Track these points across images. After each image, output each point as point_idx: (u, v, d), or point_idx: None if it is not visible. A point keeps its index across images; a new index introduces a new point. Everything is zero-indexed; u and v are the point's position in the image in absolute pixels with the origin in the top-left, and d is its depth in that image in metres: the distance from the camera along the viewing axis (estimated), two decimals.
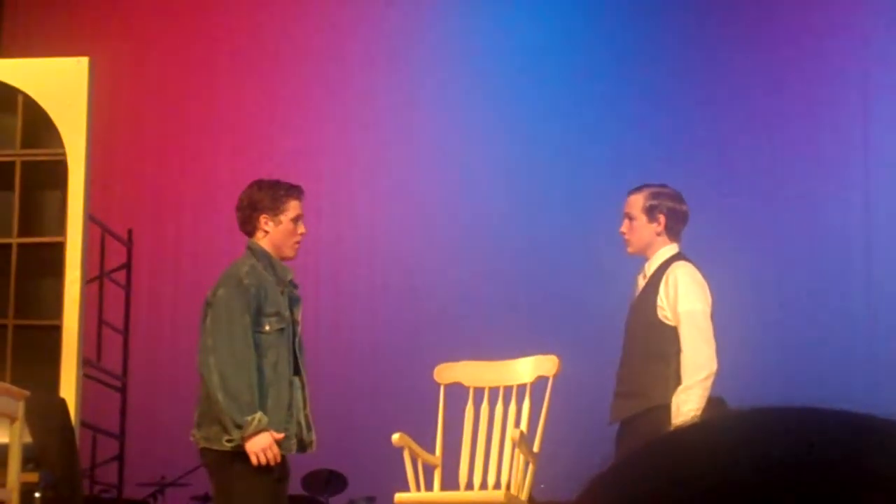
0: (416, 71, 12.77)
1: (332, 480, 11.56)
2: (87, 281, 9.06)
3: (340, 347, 12.38)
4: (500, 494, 7.41)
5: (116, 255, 11.01)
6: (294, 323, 7.10)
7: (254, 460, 6.74)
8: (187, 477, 11.51)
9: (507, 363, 7.83)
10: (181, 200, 12.82)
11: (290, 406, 7.01)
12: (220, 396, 6.81)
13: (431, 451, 7.75)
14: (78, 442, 8.68)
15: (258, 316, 6.95)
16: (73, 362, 8.58)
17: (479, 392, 7.81)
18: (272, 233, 7.10)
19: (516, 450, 7.54)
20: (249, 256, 7.11)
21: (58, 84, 9.12)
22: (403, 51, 12.82)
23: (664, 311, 7.10)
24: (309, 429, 7.14)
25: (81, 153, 8.97)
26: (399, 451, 7.60)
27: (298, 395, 7.09)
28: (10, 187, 9.13)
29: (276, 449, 6.76)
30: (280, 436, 6.79)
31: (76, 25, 12.24)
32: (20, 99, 9.19)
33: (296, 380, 7.11)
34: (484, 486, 7.65)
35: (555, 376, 7.64)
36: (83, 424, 9.06)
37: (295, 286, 7.22)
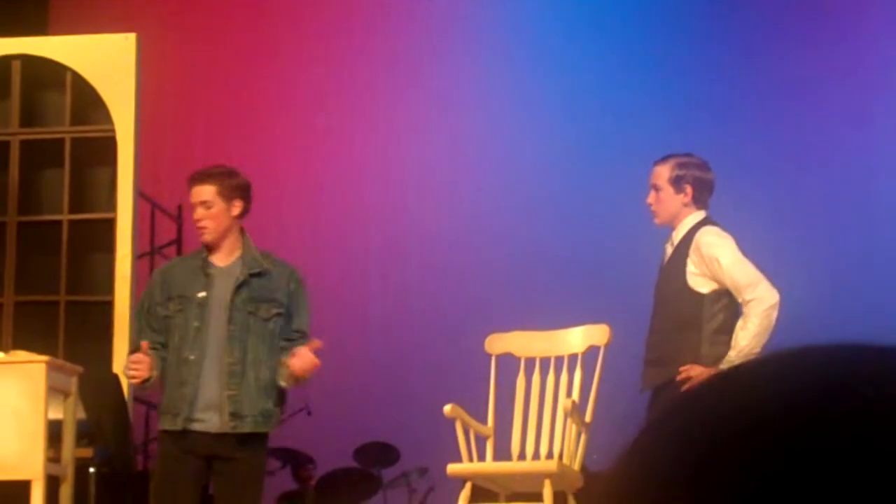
0: (450, 68, 12.76)
1: (384, 453, 11.59)
2: (137, 256, 9.09)
3: (391, 321, 12.39)
4: (552, 464, 7.40)
5: (166, 231, 11.04)
6: (209, 300, 6.94)
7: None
8: None
9: (558, 333, 7.82)
10: None
11: (183, 383, 6.89)
12: None
13: (483, 421, 7.74)
14: (131, 417, 8.71)
15: (166, 301, 6.97)
16: (125, 338, 8.59)
17: (530, 362, 7.80)
18: None
19: (568, 420, 7.53)
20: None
21: (106, 60, 9.14)
22: (435, 47, 12.81)
23: (695, 277, 7.09)
24: (213, 409, 6.92)
25: (130, 129, 8.99)
26: (451, 422, 7.60)
27: (193, 372, 6.91)
28: (60, 164, 9.17)
29: (135, 360, 6.81)
30: (144, 346, 6.83)
31: (123, 1, 12.26)
32: (69, 76, 9.22)
33: (212, 356, 6.93)
34: (536, 456, 7.65)
35: (606, 345, 7.62)
36: (136, 400, 9.10)
37: (252, 273, 7.02)
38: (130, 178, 8.86)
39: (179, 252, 11.18)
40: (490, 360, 7.81)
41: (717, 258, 7.04)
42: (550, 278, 11.76)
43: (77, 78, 9.19)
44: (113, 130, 9.05)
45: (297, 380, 6.95)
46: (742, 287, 6.98)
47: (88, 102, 9.18)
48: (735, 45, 12.44)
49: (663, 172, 7.30)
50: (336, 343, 12.33)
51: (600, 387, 7.59)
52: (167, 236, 11.07)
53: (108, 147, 9.04)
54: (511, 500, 7.76)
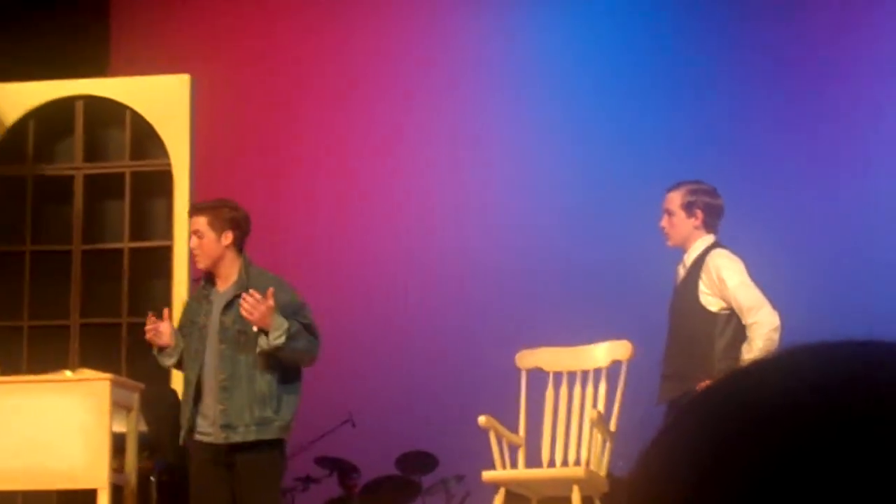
0: (476, 103, 12.78)
1: (423, 461, 11.59)
2: (193, 281, 9.13)
3: (428, 340, 12.41)
4: (580, 471, 7.41)
5: None
6: (207, 325, 7.08)
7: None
8: (291, 459, 11.57)
9: (583, 348, 7.84)
10: (276, 206, 12.88)
11: (185, 402, 7.11)
12: None
13: (515, 431, 7.76)
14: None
15: (183, 327, 7.20)
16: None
17: (557, 376, 7.82)
18: None
19: (594, 429, 7.54)
20: None
21: (162, 100, 9.20)
22: (459, 84, 12.84)
23: (706, 296, 7.11)
24: (210, 423, 7.06)
25: (185, 163, 9.05)
26: (485, 432, 7.62)
27: (192, 391, 7.08)
28: (121, 196, 9.23)
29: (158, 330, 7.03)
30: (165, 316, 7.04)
31: (179, 45, 12.31)
32: (128, 114, 9.28)
33: (209, 375, 7.06)
34: (565, 463, 7.66)
35: (628, 360, 7.64)
36: None
37: (236, 294, 7.03)
38: (186, 207, 8.91)
39: None
40: (520, 374, 7.84)
41: (725, 280, 7.07)
42: (575, 298, 11.76)
43: (136, 116, 9.25)
44: (169, 164, 9.10)
45: (257, 326, 6.97)
46: (745, 310, 7.02)
47: (146, 139, 9.23)
48: (742, 75, 12.43)
49: (675, 198, 7.34)
50: (378, 361, 12.36)
51: (623, 398, 7.60)
52: None
53: (164, 180, 9.10)
54: None
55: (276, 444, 7.10)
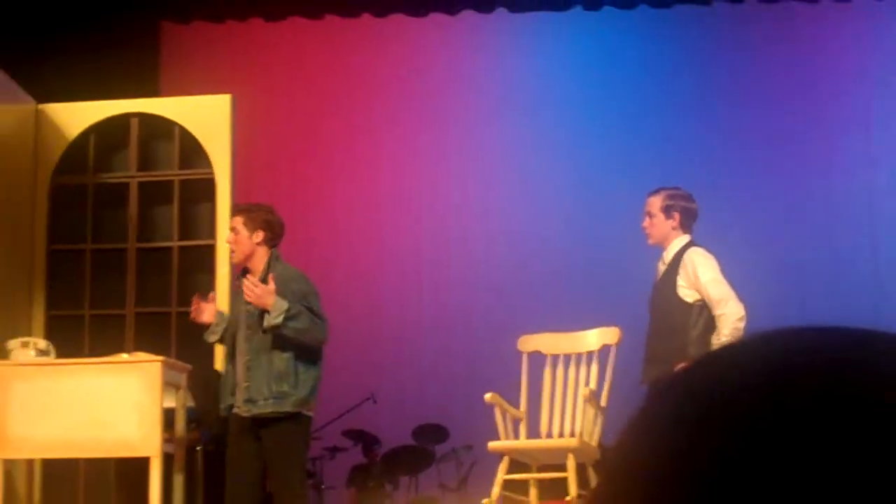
0: (488, 123, 12.79)
1: (436, 432, 11.59)
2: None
3: (440, 326, 12.41)
4: (574, 441, 7.41)
5: None
6: (237, 312, 7.23)
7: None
8: (319, 431, 11.56)
9: (578, 334, 7.84)
10: (309, 210, 12.88)
11: (224, 381, 7.29)
12: None
13: (517, 406, 7.75)
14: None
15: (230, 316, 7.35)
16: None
17: (554, 358, 7.82)
18: None
19: (587, 404, 7.54)
20: None
21: (207, 116, 9.18)
22: (476, 106, 12.84)
23: (684, 289, 7.13)
24: (242, 399, 7.17)
25: (226, 172, 9.03)
26: (491, 407, 7.61)
27: (229, 370, 7.24)
28: (171, 201, 9.22)
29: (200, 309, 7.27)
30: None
31: (221, 69, 12.31)
32: (177, 130, 9.27)
33: (238, 355, 7.20)
34: (561, 434, 7.66)
35: (616, 344, 7.64)
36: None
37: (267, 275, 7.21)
38: (227, 211, 8.88)
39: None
40: (522, 356, 7.83)
41: (699, 275, 7.09)
42: (571, 290, 11.76)
43: (183, 131, 9.23)
44: (212, 173, 9.08)
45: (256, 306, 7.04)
46: (714, 302, 7.04)
47: (193, 151, 9.22)
48: (722, 95, 12.42)
49: (656, 202, 7.37)
50: (397, 346, 12.36)
51: (612, 378, 7.60)
52: None
53: (208, 187, 9.08)
54: (541, 471, 7.76)
55: (295, 417, 7.11)
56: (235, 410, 7.12)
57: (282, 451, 7.05)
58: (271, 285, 6.87)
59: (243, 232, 7.17)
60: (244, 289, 6.93)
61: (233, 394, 7.18)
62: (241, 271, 7.35)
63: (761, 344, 0.86)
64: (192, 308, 7.27)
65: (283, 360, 7.08)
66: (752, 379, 0.82)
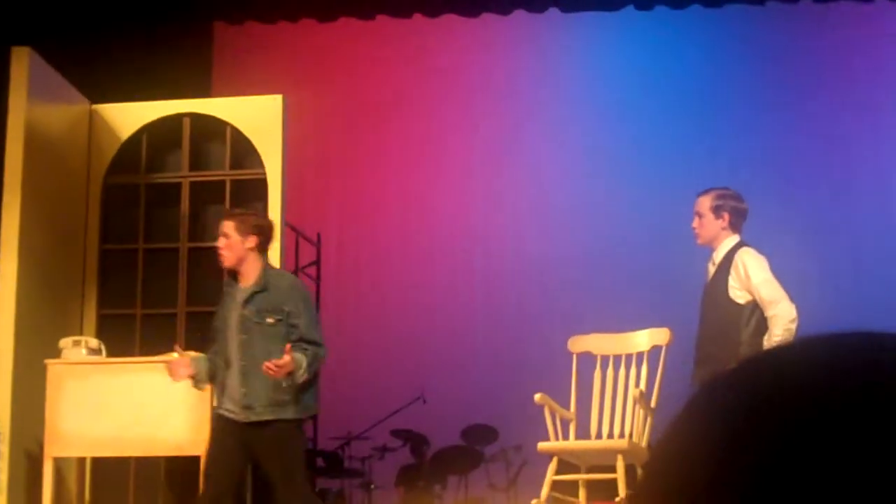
0: (537, 122, 12.75)
1: (486, 432, 11.56)
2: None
3: (492, 327, 12.38)
4: (624, 442, 7.37)
5: (307, 254, 11.08)
6: (230, 317, 7.09)
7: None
8: (369, 431, 11.56)
9: (628, 335, 7.80)
10: (360, 209, 12.90)
11: (218, 384, 7.10)
12: None
13: (567, 407, 7.71)
14: None
15: (217, 318, 7.21)
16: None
17: (604, 359, 7.78)
18: None
19: (636, 405, 7.50)
20: None
21: (258, 117, 9.18)
22: (524, 104, 12.80)
23: (735, 290, 7.08)
24: (234, 402, 7.05)
25: (278, 172, 9.03)
26: (541, 407, 7.58)
27: (225, 373, 7.08)
28: (222, 201, 9.22)
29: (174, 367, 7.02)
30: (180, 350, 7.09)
31: (272, 70, 12.33)
32: (228, 130, 9.28)
33: (232, 360, 7.08)
34: (611, 435, 7.61)
35: (667, 345, 7.59)
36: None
37: (256, 290, 7.10)
38: (278, 211, 8.89)
39: (319, 272, 11.23)
40: (572, 357, 7.79)
41: (751, 276, 7.05)
42: (621, 291, 11.69)
43: (235, 131, 9.24)
44: (264, 173, 9.08)
45: (279, 380, 6.97)
46: (766, 303, 6.99)
47: (244, 151, 9.22)
48: (774, 96, 12.32)
49: (705, 202, 7.33)
50: (447, 346, 12.34)
51: (662, 378, 7.55)
52: (308, 258, 11.11)
53: (260, 187, 9.08)
54: (590, 472, 7.72)
55: (293, 421, 7.04)
56: (225, 413, 6.99)
57: (278, 452, 6.97)
58: (287, 357, 6.84)
59: (235, 237, 7.12)
60: (269, 373, 6.87)
61: (220, 397, 7.08)
62: (229, 275, 7.26)
63: (809, 346, 0.86)
64: (167, 369, 7.07)
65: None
66: (798, 380, 0.82)
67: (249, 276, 7.13)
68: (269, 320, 7.03)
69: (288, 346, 6.85)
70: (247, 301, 7.06)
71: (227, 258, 7.15)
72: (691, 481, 0.81)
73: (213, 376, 7.08)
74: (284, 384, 6.91)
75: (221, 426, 6.98)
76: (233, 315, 7.07)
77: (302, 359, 6.91)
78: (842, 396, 0.80)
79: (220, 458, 6.91)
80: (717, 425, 0.82)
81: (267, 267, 7.22)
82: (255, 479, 7.23)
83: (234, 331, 7.04)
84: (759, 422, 0.80)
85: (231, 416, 6.96)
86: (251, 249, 7.13)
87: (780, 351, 0.87)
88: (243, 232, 7.14)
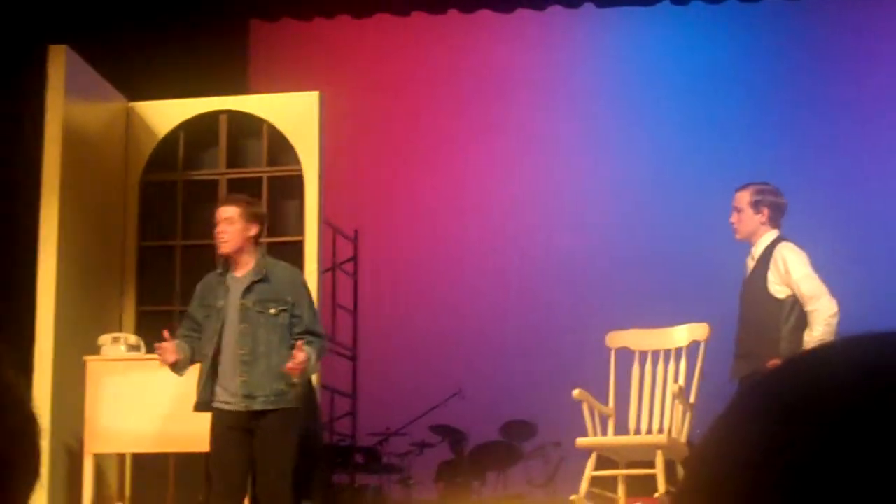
0: (573, 117, 12.71)
1: (524, 428, 11.54)
2: (322, 272, 9.12)
3: (529, 324, 12.36)
4: (662, 438, 7.34)
5: (345, 251, 11.08)
6: (225, 306, 7.00)
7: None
8: (407, 427, 11.56)
9: (666, 330, 7.78)
10: (397, 205, 12.90)
11: (205, 375, 6.98)
12: None
13: (605, 403, 7.69)
14: (319, 400, 8.73)
15: (200, 308, 7.10)
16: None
17: (643, 354, 7.76)
18: None
19: (675, 401, 7.47)
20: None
21: (295, 113, 9.18)
22: (559, 97, 12.77)
23: (774, 285, 7.06)
24: (230, 393, 6.96)
25: (315, 169, 9.02)
26: (579, 403, 7.55)
27: (210, 366, 6.98)
28: (259, 198, 9.21)
29: (162, 348, 6.94)
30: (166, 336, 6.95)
31: (309, 66, 12.34)
32: (265, 127, 9.28)
33: (228, 351, 6.98)
34: (650, 431, 7.59)
35: (706, 340, 7.56)
36: (323, 387, 9.12)
37: (255, 280, 7.04)
38: (315, 207, 8.89)
39: (356, 268, 11.23)
40: (610, 352, 7.76)
41: (791, 270, 7.03)
42: (659, 286, 11.65)
43: (271, 128, 9.24)
44: (301, 170, 9.08)
45: (294, 377, 6.92)
46: (807, 299, 6.97)
47: (281, 148, 9.22)
48: (810, 90, 12.24)
49: (744, 197, 7.32)
50: (485, 342, 12.32)
51: (701, 374, 7.52)
52: (345, 254, 11.11)
53: (297, 183, 9.08)
54: (629, 468, 7.69)
55: (293, 410, 7.00)
56: (222, 406, 6.92)
57: (276, 442, 6.95)
58: (303, 354, 6.82)
59: (239, 223, 7.06)
60: (295, 371, 6.88)
61: (207, 390, 6.99)
62: (222, 265, 7.16)
63: (851, 346, 0.86)
64: (159, 352, 7.02)
65: (280, 357, 6.93)
66: (840, 380, 0.82)
67: (246, 265, 7.06)
68: (272, 311, 6.97)
69: (300, 342, 6.82)
70: (246, 291, 6.99)
71: (228, 244, 7.05)
72: (732, 481, 0.81)
73: (191, 363, 7.04)
74: (296, 379, 6.89)
75: (220, 420, 6.92)
76: (229, 304, 6.99)
77: (312, 352, 6.89)
78: (879, 398, 0.80)
79: (224, 454, 6.86)
80: (758, 426, 0.83)
81: (265, 256, 7.19)
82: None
83: (233, 321, 6.97)
84: (798, 424, 0.81)
85: (227, 407, 6.91)
86: (251, 238, 7.08)
87: (821, 351, 0.87)
88: (248, 219, 7.08)
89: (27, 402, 1.15)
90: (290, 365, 6.76)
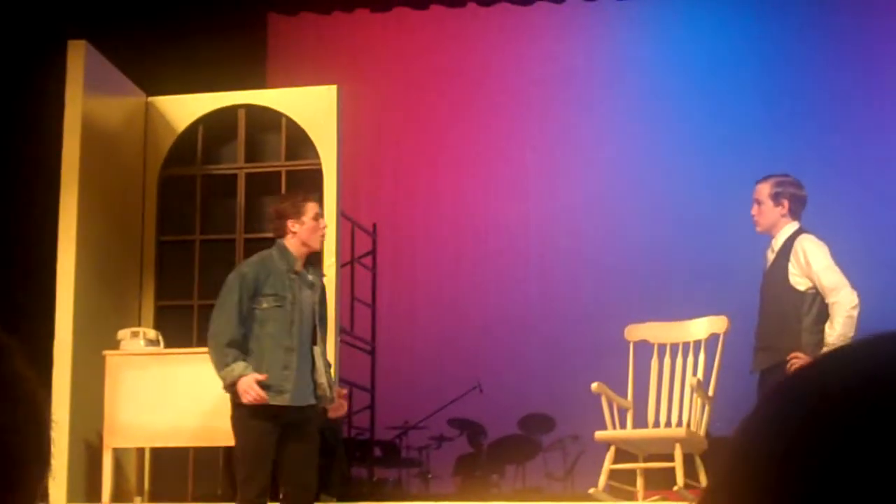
0: (593, 111, 12.68)
1: (543, 422, 11.53)
2: (340, 265, 9.12)
3: (547, 318, 12.34)
4: (681, 431, 7.33)
5: (363, 244, 11.09)
6: (297, 301, 6.93)
7: (244, 399, 6.70)
8: (426, 421, 11.56)
9: (685, 323, 7.76)
10: (415, 199, 12.89)
11: (285, 367, 6.83)
12: (212, 356, 6.86)
13: (624, 396, 7.68)
14: None
15: (256, 296, 6.90)
16: (332, 331, 8.62)
17: (661, 347, 7.74)
18: (299, 232, 6.99)
19: (694, 394, 7.46)
20: (270, 250, 7.07)
21: (313, 107, 9.18)
22: (581, 91, 12.74)
23: (795, 277, 7.03)
24: (322, 388, 6.94)
25: (333, 163, 9.02)
26: (598, 396, 7.54)
27: (294, 358, 6.87)
28: (278, 192, 9.22)
29: (257, 389, 6.66)
30: (262, 377, 6.69)
31: (327, 60, 12.34)
32: (283, 121, 9.28)
33: (305, 347, 6.93)
34: (668, 424, 7.58)
35: (725, 333, 7.54)
36: (341, 380, 9.13)
37: (317, 274, 7.10)
38: (334, 201, 8.89)
39: (375, 262, 11.23)
40: (629, 345, 7.75)
41: (811, 263, 7.00)
42: (678, 279, 11.63)
43: (290, 122, 9.24)
44: (319, 164, 9.08)
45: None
46: (828, 291, 6.94)
47: (299, 142, 9.23)
48: (833, 82, 12.19)
49: (764, 189, 7.29)
50: (504, 336, 12.31)
51: (720, 367, 7.50)
52: (364, 248, 11.11)
53: (315, 177, 9.08)
54: (648, 461, 7.68)
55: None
56: (283, 402, 6.81)
57: (315, 435, 7.01)
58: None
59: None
60: (337, 411, 6.96)
61: (307, 382, 6.94)
62: (305, 259, 7.10)
63: (875, 347, 0.86)
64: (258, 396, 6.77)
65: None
66: (865, 382, 0.83)
67: (306, 263, 7.09)
68: (323, 312, 7.12)
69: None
70: (314, 289, 7.04)
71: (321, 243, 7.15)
72: (759, 482, 0.82)
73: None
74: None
75: (266, 420, 6.79)
76: (306, 300, 6.99)
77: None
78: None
79: (265, 459, 6.78)
80: (785, 428, 0.84)
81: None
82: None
83: (310, 315, 6.98)
84: (825, 426, 0.81)
85: (285, 404, 6.80)
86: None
87: (844, 352, 0.88)
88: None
89: (39, 394, 1.15)
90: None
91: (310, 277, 7.04)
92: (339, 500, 8.38)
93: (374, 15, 12.28)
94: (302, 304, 6.94)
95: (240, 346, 6.80)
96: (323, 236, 7.12)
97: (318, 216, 7.06)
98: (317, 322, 6.99)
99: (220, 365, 6.77)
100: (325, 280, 7.26)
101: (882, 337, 0.86)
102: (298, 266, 6.99)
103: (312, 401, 6.90)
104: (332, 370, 7.18)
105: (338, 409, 7.29)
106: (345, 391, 7.39)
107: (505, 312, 12.38)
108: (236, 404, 6.80)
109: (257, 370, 6.74)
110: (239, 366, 6.71)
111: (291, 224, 7.00)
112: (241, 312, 6.84)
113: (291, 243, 6.99)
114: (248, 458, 6.81)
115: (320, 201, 7.40)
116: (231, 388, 6.74)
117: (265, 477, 6.80)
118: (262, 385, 6.71)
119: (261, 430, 6.80)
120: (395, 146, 12.89)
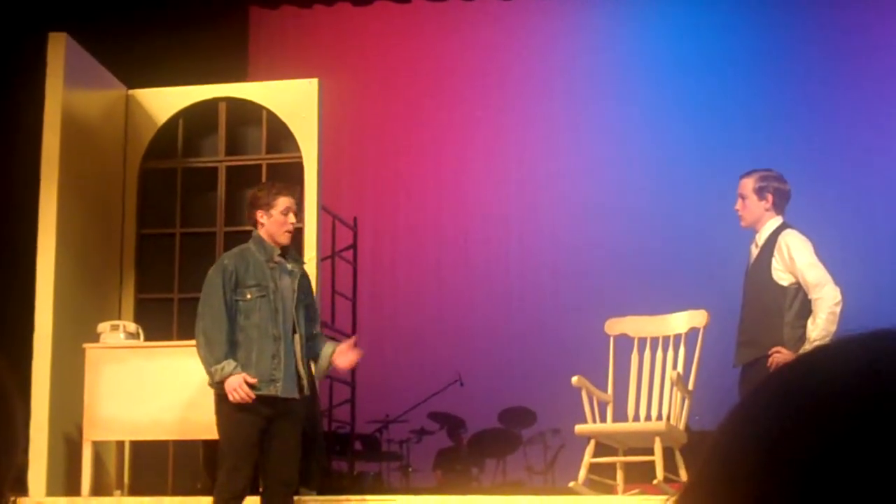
0: (578, 105, 12.69)
1: (523, 416, 11.54)
2: (321, 259, 9.11)
3: (528, 311, 12.36)
4: (661, 425, 7.36)
5: (344, 238, 11.07)
6: (279, 290, 6.91)
7: (231, 398, 6.67)
8: (406, 414, 11.56)
9: (665, 317, 7.78)
10: (396, 193, 12.89)
11: (274, 356, 6.81)
12: (201, 352, 6.80)
13: (604, 390, 7.70)
14: (318, 388, 8.73)
15: (238, 287, 6.89)
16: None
17: (641, 341, 7.76)
18: (266, 224, 6.97)
19: (674, 388, 7.48)
20: (248, 242, 7.05)
21: (294, 101, 9.17)
22: (566, 86, 12.75)
23: (778, 272, 7.03)
24: (302, 381, 6.93)
25: (314, 156, 9.02)
26: (578, 390, 7.56)
27: (281, 347, 6.85)
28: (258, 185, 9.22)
29: (246, 389, 6.65)
30: (252, 380, 6.68)
31: (308, 54, 12.33)
32: (264, 114, 9.27)
33: (289, 336, 6.90)
34: (648, 417, 7.61)
35: (704, 327, 7.56)
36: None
37: (297, 261, 7.09)
38: (315, 195, 8.88)
39: (356, 255, 11.22)
40: (609, 339, 7.77)
41: (795, 258, 7.00)
42: (658, 273, 11.65)
43: (271, 115, 9.23)
44: (300, 157, 9.08)
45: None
46: (811, 286, 6.94)
47: (280, 135, 9.22)
48: (821, 77, 12.22)
49: (748, 184, 7.28)
50: (484, 330, 12.33)
51: (700, 361, 7.52)
52: (345, 242, 11.10)
53: (296, 171, 9.07)
54: (628, 454, 7.70)
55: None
56: (270, 392, 6.79)
57: (300, 426, 6.99)
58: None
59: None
60: (345, 363, 6.92)
61: (289, 370, 6.89)
62: (282, 249, 7.08)
63: (857, 345, 0.87)
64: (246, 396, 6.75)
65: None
66: (847, 380, 0.83)
67: (285, 252, 7.07)
68: (306, 301, 7.07)
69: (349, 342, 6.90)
70: (293, 276, 7.01)
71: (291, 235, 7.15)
72: (742, 477, 0.83)
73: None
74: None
75: (252, 412, 6.76)
76: (287, 287, 6.98)
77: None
78: (888, 399, 0.81)
79: (251, 451, 6.75)
80: (769, 424, 0.84)
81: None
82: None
83: (291, 303, 6.95)
84: (810, 422, 0.82)
85: (276, 394, 6.78)
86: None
87: (826, 351, 0.88)
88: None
89: (8, 384, 1.14)
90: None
91: (289, 266, 7.01)
92: (319, 494, 8.37)
93: (356, 8, 12.27)
94: (283, 293, 6.93)
95: (228, 341, 6.78)
96: (289, 233, 7.04)
97: (289, 211, 7.01)
98: (299, 308, 6.96)
99: (209, 362, 6.74)
100: (305, 267, 7.23)
101: (867, 335, 0.87)
102: (276, 255, 6.98)
103: (296, 395, 6.87)
104: (324, 361, 7.08)
105: (343, 357, 7.11)
106: (354, 338, 7.27)
107: (486, 306, 12.40)
108: (221, 397, 6.78)
109: (246, 362, 6.74)
110: (229, 364, 6.70)
111: (260, 215, 7.00)
112: (226, 305, 6.83)
113: (263, 233, 7.00)
114: (234, 450, 6.78)
115: (301, 195, 7.34)
116: (219, 384, 6.72)
117: (251, 468, 6.78)
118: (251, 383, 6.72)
119: (247, 421, 6.78)
120: (376, 140, 12.89)
